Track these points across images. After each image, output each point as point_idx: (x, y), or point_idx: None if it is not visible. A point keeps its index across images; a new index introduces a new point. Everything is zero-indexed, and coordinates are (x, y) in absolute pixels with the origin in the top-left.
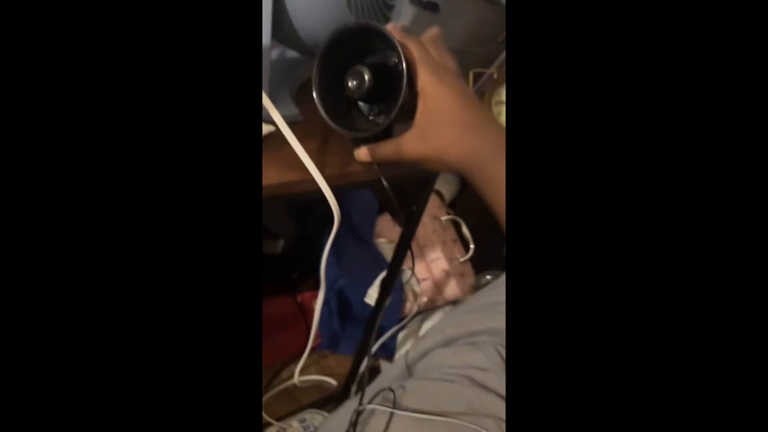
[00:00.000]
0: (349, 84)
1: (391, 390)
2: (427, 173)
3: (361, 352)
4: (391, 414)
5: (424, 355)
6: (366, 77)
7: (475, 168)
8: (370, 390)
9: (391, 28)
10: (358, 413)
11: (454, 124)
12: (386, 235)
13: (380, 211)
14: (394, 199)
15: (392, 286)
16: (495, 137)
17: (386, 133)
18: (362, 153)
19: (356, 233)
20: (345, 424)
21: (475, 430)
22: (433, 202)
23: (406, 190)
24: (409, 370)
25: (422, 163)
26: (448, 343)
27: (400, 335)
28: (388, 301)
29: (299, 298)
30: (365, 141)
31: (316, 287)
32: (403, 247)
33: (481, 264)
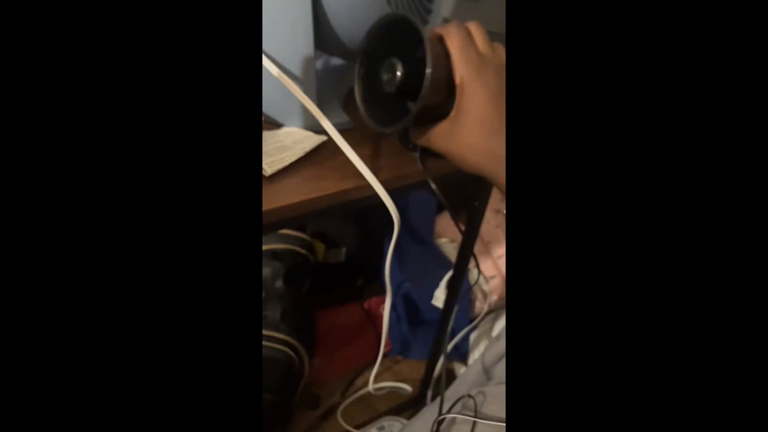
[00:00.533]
0: (384, 77)
1: (471, 396)
2: None
3: (435, 355)
4: (474, 423)
5: (502, 357)
6: (398, 70)
7: (499, 171)
8: (448, 396)
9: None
10: (439, 423)
11: (482, 125)
12: (447, 234)
13: (439, 211)
14: (442, 198)
15: (459, 287)
16: None
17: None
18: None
19: (416, 235)
20: None
21: None
22: (494, 196)
23: (464, 186)
24: (487, 374)
25: (449, 159)
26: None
27: (473, 336)
28: (456, 302)
29: (366, 305)
30: (406, 141)
31: (382, 293)
32: (468, 245)
33: None
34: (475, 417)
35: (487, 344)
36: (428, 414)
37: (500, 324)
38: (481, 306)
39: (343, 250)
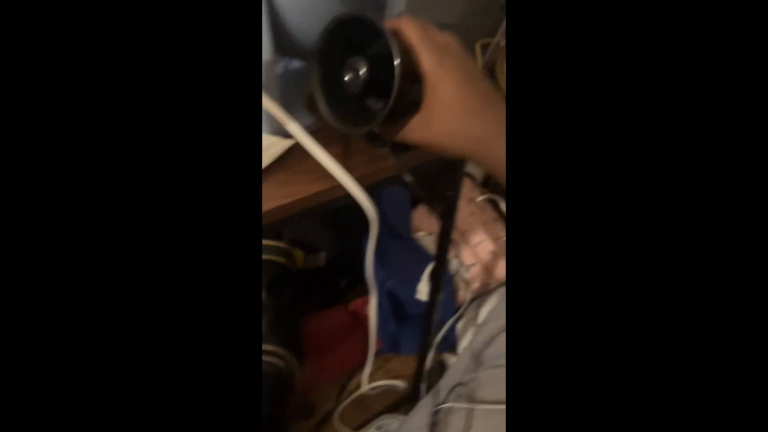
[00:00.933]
0: (346, 79)
1: (464, 384)
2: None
3: (424, 348)
4: (470, 410)
5: (490, 341)
6: (361, 68)
7: (481, 152)
8: (442, 386)
9: (392, 22)
10: (435, 414)
11: (455, 110)
12: (425, 227)
13: (414, 205)
14: (417, 188)
15: (442, 278)
16: (500, 116)
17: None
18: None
19: (394, 231)
20: (423, 428)
21: None
22: (465, 185)
23: (436, 178)
24: (477, 360)
25: (429, 150)
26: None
27: (459, 325)
28: (440, 293)
29: (351, 307)
30: (374, 138)
31: (366, 293)
32: (446, 235)
33: None
34: (470, 404)
35: (474, 331)
36: (424, 407)
37: (485, 310)
38: (464, 295)
39: (323, 254)
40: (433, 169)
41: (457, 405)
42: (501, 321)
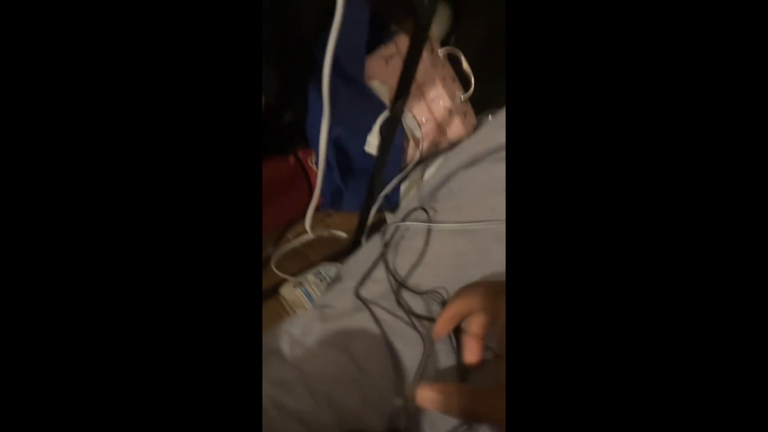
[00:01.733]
0: None
1: (424, 209)
2: None
3: (368, 204)
4: (429, 229)
5: (447, 180)
6: None
7: None
8: (396, 216)
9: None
10: (391, 235)
11: None
12: (379, 75)
13: (368, 51)
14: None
15: (396, 129)
16: None
17: None
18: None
19: (344, 73)
20: (376, 251)
21: None
22: (432, 36)
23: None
24: (432, 198)
25: None
26: (474, 161)
27: (403, 186)
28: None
29: (293, 158)
30: None
31: (309, 145)
32: (411, 65)
33: (480, 104)
34: (431, 223)
35: (418, 188)
36: (374, 242)
37: (431, 172)
38: (413, 154)
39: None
40: None
41: (415, 224)
42: (462, 158)
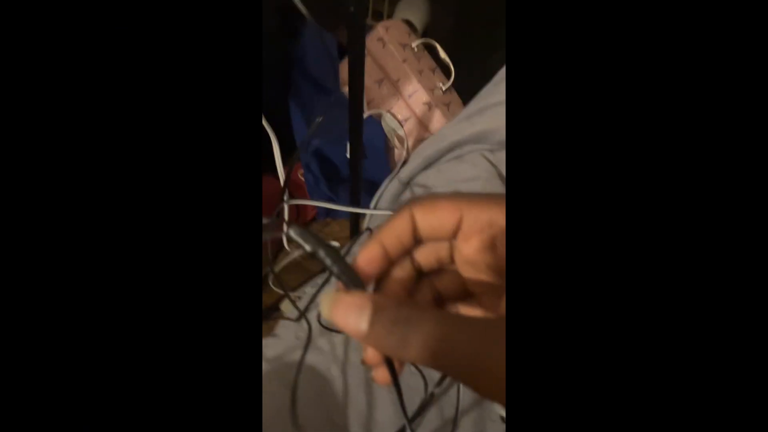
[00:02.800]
0: None
1: (369, 229)
2: None
3: (354, 220)
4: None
5: (407, 185)
6: None
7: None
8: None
9: None
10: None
11: None
12: None
13: (343, 56)
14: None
15: (360, 125)
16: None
17: None
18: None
19: (318, 84)
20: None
21: None
22: (400, 29)
23: None
24: (395, 206)
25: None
26: (428, 164)
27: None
28: (361, 146)
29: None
30: None
31: (296, 158)
32: (356, 66)
33: (466, 90)
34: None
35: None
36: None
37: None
38: (400, 153)
39: None
40: None
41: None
42: (417, 161)
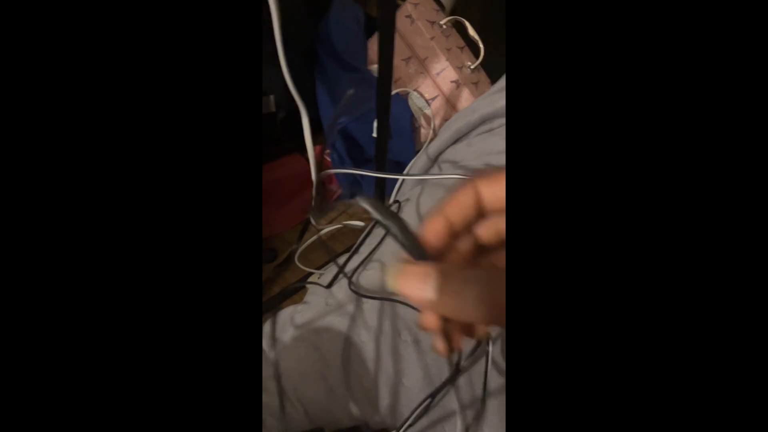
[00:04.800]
0: None
1: (398, 201)
2: None
3: (381, 189)
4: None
5: (434, 161)
6: None
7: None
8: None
9: None
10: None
11: None
12: None
13: (370, 33)
14: None
15: (388, 105)
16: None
17: None
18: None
19: (346, 62)
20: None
21: None
22: (428, 6)
23: None
24: (434, 162)
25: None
26: (458, 137)
27: None
28: (388, 125)
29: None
30: None
31: (323, 138)
32: (386, 42)
33: (495, 69)
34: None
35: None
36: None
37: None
38: (426, 133)
39: (272, 97)
40: None
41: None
42: (446, 135)
